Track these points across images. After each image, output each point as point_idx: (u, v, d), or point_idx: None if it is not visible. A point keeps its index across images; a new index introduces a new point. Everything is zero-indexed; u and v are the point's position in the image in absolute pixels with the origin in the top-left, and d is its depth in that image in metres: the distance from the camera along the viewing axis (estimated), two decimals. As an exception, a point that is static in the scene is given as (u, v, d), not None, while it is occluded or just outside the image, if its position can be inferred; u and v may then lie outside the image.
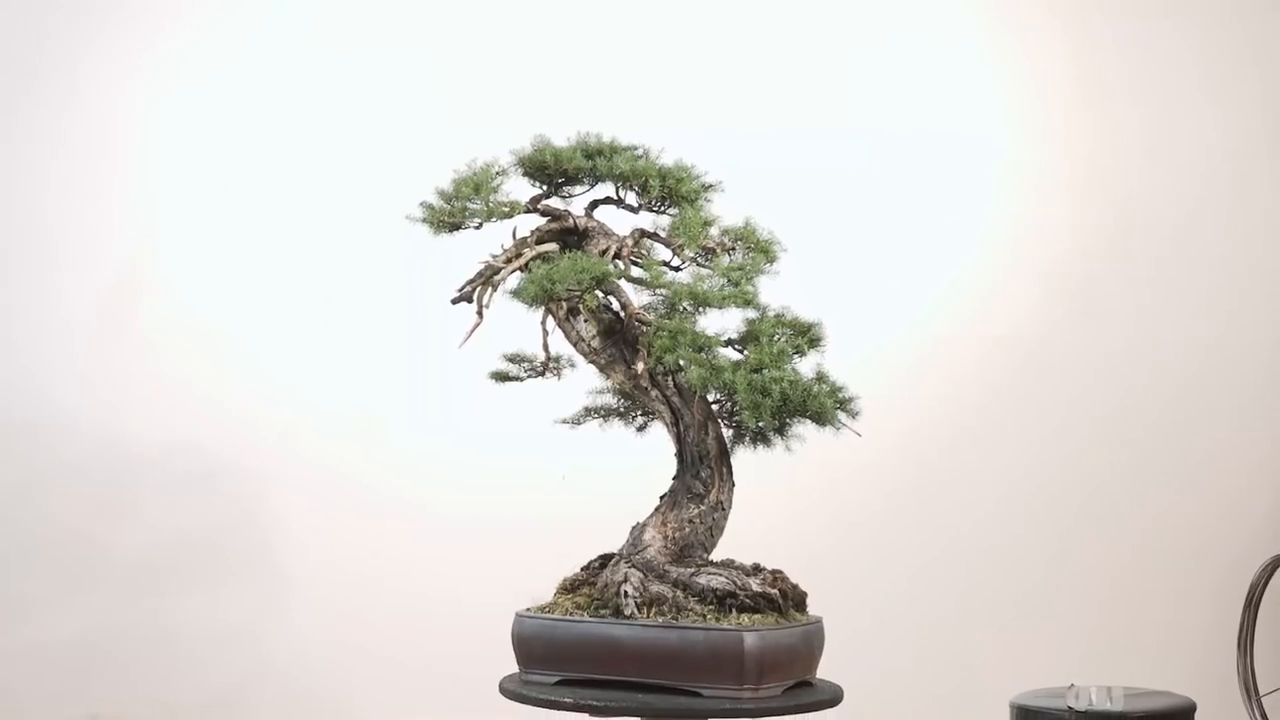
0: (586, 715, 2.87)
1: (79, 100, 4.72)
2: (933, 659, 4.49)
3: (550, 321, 2.96)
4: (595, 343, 2.96)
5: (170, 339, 4.67)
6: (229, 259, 4.70)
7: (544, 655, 2.91)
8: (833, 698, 2.92)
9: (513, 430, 4.34)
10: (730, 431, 3.01)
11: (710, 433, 2.96)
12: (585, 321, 2.96)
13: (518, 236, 2.99)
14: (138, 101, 4.74)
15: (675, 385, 2.97)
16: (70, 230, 4.72)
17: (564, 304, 2.94)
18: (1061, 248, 4.63)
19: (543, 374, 3.05)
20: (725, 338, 2.91)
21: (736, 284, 2.89)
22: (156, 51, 4.74)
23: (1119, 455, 4.55)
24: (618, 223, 3.05)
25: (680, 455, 2.99)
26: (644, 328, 2.91)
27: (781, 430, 2.93)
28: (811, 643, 2.91)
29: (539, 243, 2.99)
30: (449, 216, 2.95)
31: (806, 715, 2.86)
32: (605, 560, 3.03)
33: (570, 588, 3.02)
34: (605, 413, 3.17)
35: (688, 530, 2.94)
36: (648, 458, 3.10)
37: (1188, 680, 3.61)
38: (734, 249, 2.99)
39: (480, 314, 2.92)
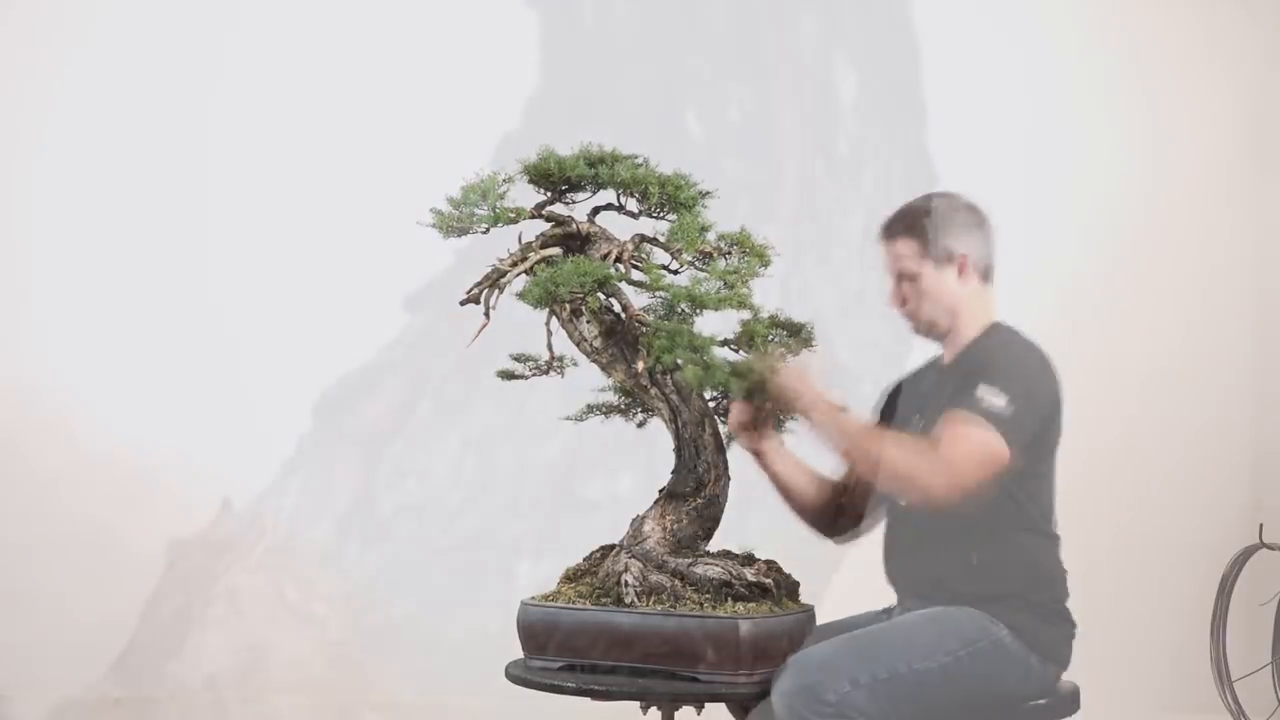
0: (588, 699, 2.92)
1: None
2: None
3: (554, 322, 3.01)
4: (597, 343, 3.01)
5: (185, 346, 4.77)
6: (246, 269, 4.79)
7: (548, 642, 2.95)
8: (823, 682, 2.95)
9: (518, 426, 4.43)
10: (726, 428, 3.06)
11: (707, 429, 3.00)
12: (587, 322, 3.00)
13: (523, 241, 3.03)
14: (173, 101, 4.83)
15: (673, 383, 3.01)
16: (90, 234, 4.81)
17: (567, 306, 2.98)
18: (1043, 253, 4.71)
19: (547, 372, 3.09)
20: (721, 338, 2.96)
21: (732, 287, 2.94)
22: (187, 52, 4.84)
23: (1096, 451, 4.62)
24: (619, 228, 3.09)
25: (678, 450, 3.02)
26: (643, 328, 2.97)
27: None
28: (803, 630, 2.96)
29: (543, 247, 3.02)
30: (457, 222, 2.99)
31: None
32: (606, 551, 3.07)
33: (573, 577, 3.04)
34: (607, 409, 3.20)
35: (685, 522, 2.98)
36: (647, 453, 3.17)
37: (1164, 664, 3.69)
38: (729, 253, 3.03)
39: (487, 315, 2.97)
